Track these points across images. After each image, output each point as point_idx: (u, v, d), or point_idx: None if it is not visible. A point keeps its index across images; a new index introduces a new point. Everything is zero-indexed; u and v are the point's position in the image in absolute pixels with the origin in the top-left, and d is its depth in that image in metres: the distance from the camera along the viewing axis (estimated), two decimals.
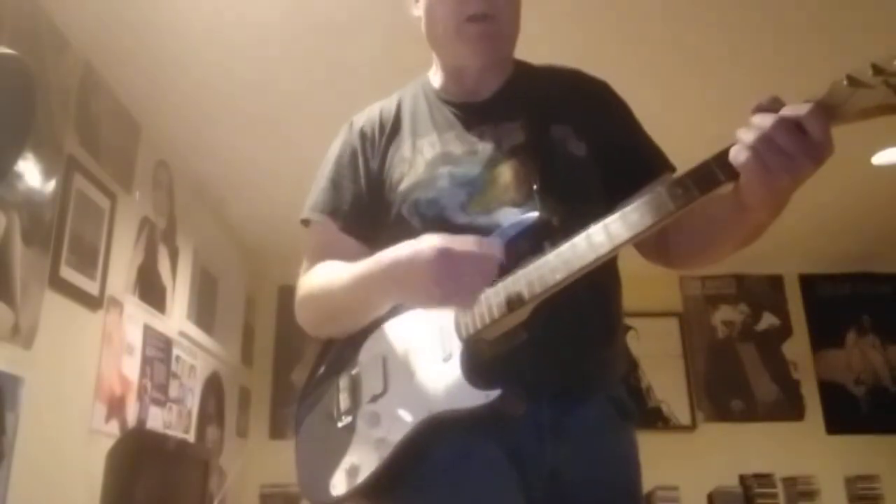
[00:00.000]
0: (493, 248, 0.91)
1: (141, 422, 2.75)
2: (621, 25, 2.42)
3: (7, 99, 1.98)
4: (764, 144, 0.77)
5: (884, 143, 3.22)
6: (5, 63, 1.94)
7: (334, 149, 1.22)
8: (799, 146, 0.76)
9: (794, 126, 0.76)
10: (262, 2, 2.28)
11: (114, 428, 2.52)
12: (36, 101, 2.11)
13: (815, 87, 0.77)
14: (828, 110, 0.76)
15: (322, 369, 1.14)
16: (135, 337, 2.75)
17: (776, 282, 4.69)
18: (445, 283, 0.88)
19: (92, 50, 2.43)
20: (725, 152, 0.81)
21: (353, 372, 1.06)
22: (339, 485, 0.98)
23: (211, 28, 2.37)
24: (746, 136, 0.78)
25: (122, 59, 2.50)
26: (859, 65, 0.74)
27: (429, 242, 0.91)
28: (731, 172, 0.81)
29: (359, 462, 0.98)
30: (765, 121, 0.77)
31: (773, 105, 0.79)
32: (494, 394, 0.89)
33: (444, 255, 0.89)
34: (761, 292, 4.68)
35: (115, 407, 2.55)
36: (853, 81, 0.74)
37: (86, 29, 2.32)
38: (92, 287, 2.43)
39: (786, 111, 0.77)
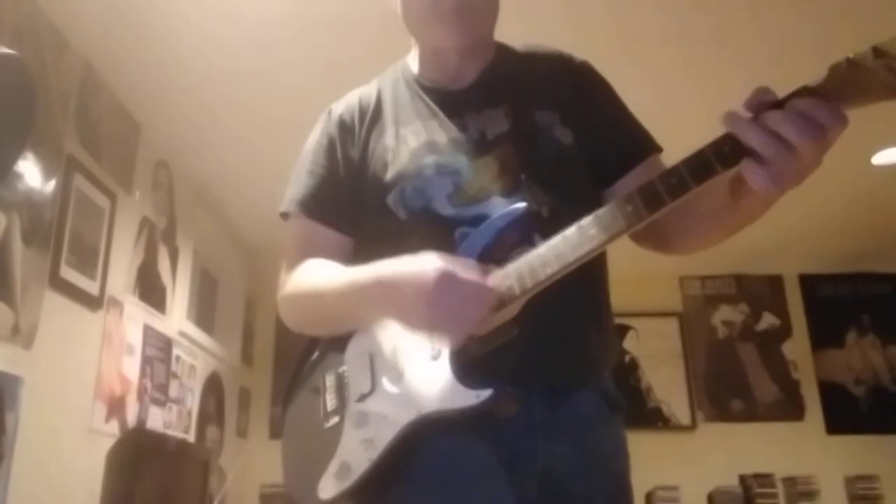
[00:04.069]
0: (493, 287, 0.87)
1: (141, 422, 2.75)
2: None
3: (7, 99, 1.98)
4: (781, 156, 0.73)
5: (884, 143, 3.22)
6: (5, 63, 1.94)
7: (313, 138, 1.18)
8: (816, 152, 0.73)
9: (819, 130, 0.72)
10: (262, 1, 2.28)
11: (114, 428, 2.52)
12: (36, 101, 2.10)
13: (807, 75, 0.75)
14: (825, 97, 0.73)
15: (307, 367, 1.11)
16: (135, 337, 2.75)
17: (776, 282, 4.69)
18: (439, 308, 0.85)
19: (92, 50, 2.43)
20: (721, 141, 0.79)
21: (340, 370, 1.03)
22: (327, 487, 0.96)
23: (211, 28, 2.37)
24: (764, 146, 0.74)
25: (122, 59, 2.50)
26: (860, 48, 0.71)
27: (433, 263, 0.87)
28: (728, 162, 0.78)
29: (347, 464, 0.95)
30: (791, 131, 0.73)
31: (764, 97, 0.76)
32: (485, 394, 0.87)
33: (446, 279, 0.85)
34: (761, 292, 4.68)
35: (115, 407, 2.55)
36: (853, 65, 0.72)
37: (86, 29, 2.32)
38: (92, 287, 2.43)
39: (814, 115, 0.73)
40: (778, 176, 0.74)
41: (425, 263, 0.88)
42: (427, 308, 0.86)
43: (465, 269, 0.87)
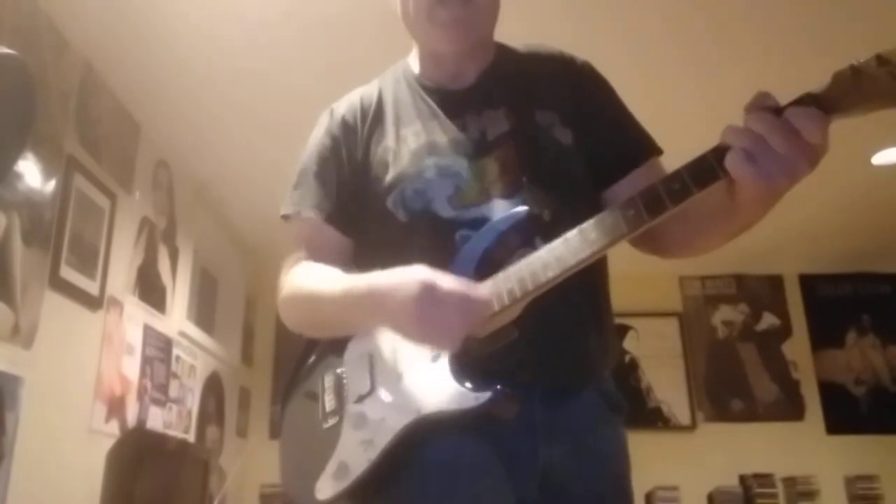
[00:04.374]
0: (482, 298, 0.87)
1: (141, 422, 2.75)
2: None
3: (7, 99, 1.98)
4: (760, 150, 0.74)
5: (884, 143, 3.22)
6: (5, 63, 1.94)
7: (315, 138, 1.17)
8: (796, 150, 0.74)
9: (791, 130, 0.74)
10: (262, 1, 2.28)
11: (114, 428, 2.52)
12: (36, 101, 2.11)
13: (809, 76, 0.76)
14: (828, 104, 0.74)
15: (306, 367, 1.11)
16: (135, 337, 2.75)
17: (776, 282, 4.69)
18: (424, 321, 0.86)
19: (92, 50, 2.43)
20: (724, 147, 0.78)
21: (339, 370, 1.03)
22: (325, 488, 0.95)
23: (211, 28, 2.37)
24: (741, 140, 0.76)
25: (122, 59, 2.50)
26: (860, 47, 0.72)
27: (420, 276, 0.88)
28: None
29: (345, 464, 0.95)
30: (761, 125, 0.75)
31: (764, 102, 0.77)
32: (485, 396, 0.87)
33: (428, 292, 0.86)
34: (761, 292, 4.68)
35: (115, 407, 2.55)
36: (857, 72, 0.72)
37: (86, 29, 2.32)
38: (92, 287, 2.43)
39: (785, 115, 0.74)
40: (764, 169, 0.75)
41: (411, 275, 0.88)
42: (413, 319, 0.87)
43: (451, 281, 0.87)
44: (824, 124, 0.73)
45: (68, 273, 2.27)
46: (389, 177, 1.06)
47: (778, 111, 0.76)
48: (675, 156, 0.86)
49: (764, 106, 0.76)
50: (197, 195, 3.44)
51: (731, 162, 0.76)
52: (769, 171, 0.75)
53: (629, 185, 1.03)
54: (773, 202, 0.82)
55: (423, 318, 0.86)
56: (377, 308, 0.92)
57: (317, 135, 1.18)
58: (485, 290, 0.90)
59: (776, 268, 4.63)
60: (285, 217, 1.16)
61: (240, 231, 4.02)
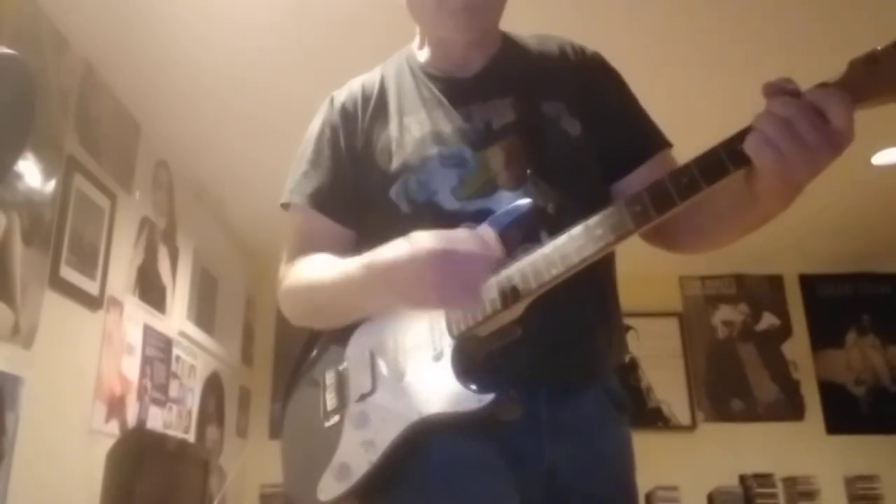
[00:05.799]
0: (492, 245, 0.85)
1: (141, 422, 2.75)
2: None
3: (7, 99, 1.98)
4: (785, 135, 0.71)
5: (884, 143, 3.22)
6: (5, 63, 1.94)
7: (314, 127, 1.15)
8: (821, 136, 0.70)
9: (818, 114, 0.70)
10: (262, 2, 2.28)
11: (114, 428, 2.52)
12: (36, 101, 2.10)
13: (826, 71, 0.73)
14: (850, 92, 0.71)
15: (307, 363, 1.09)
16: (135, 337, 2.75)
17: (776, 282, 4.69)
18: (447, 286, 0.82)
19: (92, 50, 2.43)
20: (735, 139, 0.76)
21: (341, 368, 1.01)
22: (327, 489, 0.94)
23: (211, 28, 2.37)
24: (765, 125, 0.72)
25: (122, 59, 2.50)
26: (877, 40, 0.70)
27: (426, 243, 0.84)
28: (741, 161, 0.75)
29: (347, 465, 0.94)
30: (786, 109, 0.71)
31: (785, 86, 0.74)
32: (488, 398, 0.85)
33: (446, 257, 0.82)
34: (761, 292, 4.68)
35: (115, 407, 2.55)
36: (873, 60, 0.70)
37: (86, 29, 2.32)
38: (92, 287, 2.42)
39: (811, 97, 0.71)
40: (787, 155, 0.72)
41: (417, 245, 0.85)
42: (434, 289, 0.83)
43: (457, 240, 0.85)
44: (852, 108, 0.70)
45: (68, 273, 2.27)
46: (392, 167, 1.04)
47: (799, 96, 0.73)
48: (689, 153, 0.83)
49: (785, 90, 0.74)
50: (197, 195, 3.44)
51: (751, 145, 0.73)
52: (791, 158, 0.72)
53: (639, 179, 1.01)
54: (794, 195, 0.79)
55: (443, 284, 0.82)
56: (385, 286, 0.88)
57: (317, 123, 1.16)
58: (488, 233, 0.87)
59: (776, 268, 4.63)
60: (284, 206, 1.14)
61: (240, 231, 4.02)
